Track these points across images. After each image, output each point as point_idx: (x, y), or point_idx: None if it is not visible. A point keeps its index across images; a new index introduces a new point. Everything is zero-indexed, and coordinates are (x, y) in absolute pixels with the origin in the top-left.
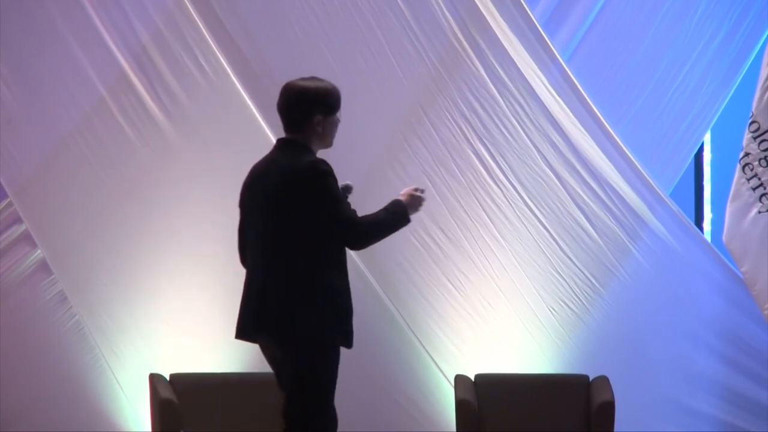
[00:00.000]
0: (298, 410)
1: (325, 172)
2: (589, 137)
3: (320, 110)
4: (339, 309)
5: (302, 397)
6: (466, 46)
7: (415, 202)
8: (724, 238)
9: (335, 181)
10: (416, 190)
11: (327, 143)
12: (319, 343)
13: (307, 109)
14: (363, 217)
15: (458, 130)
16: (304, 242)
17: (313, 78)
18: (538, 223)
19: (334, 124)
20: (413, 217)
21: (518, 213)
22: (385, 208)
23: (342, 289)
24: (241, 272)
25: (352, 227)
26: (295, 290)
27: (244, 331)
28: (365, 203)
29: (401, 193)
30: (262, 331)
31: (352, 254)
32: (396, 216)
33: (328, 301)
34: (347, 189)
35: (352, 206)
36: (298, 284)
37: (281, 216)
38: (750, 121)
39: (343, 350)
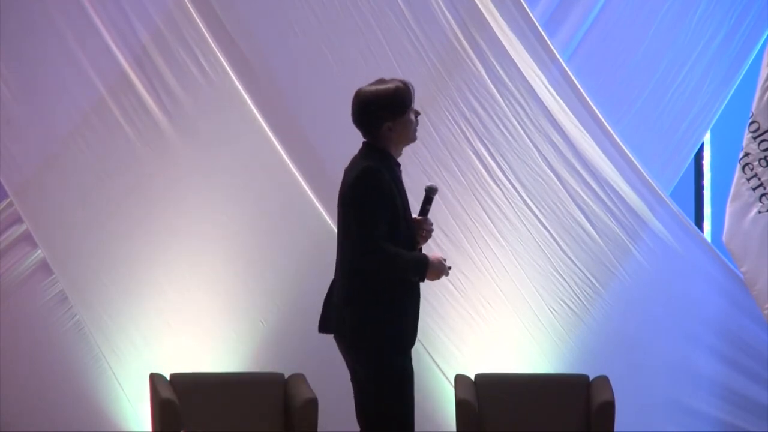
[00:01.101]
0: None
1: (371, 182)
2: (589, 137)
3: (387, 117)
4: (386, 312)
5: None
6: (466, 46)
7: (439, 270)
8: (724, 238)
9: (380, 193)
10: (445, 261)
11: (406, 141)
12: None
13: (373, 118)
14: (387, 247)
15: (458, 130)
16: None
17: (378, 81)
18: (538, 223)
19: (408, 123)
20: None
21: (518, 213)
22: (412, 256)
23: (386, 295)
24: (240, 272)
25: (370, 247)
26: (345, 293)
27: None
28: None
29: (435, 254)
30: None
31: None
32: (415, 268)
33: (375, 304)
34: (431, 191)
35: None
36: (347, 288)
37: (343, 217)
38: (750, 121)
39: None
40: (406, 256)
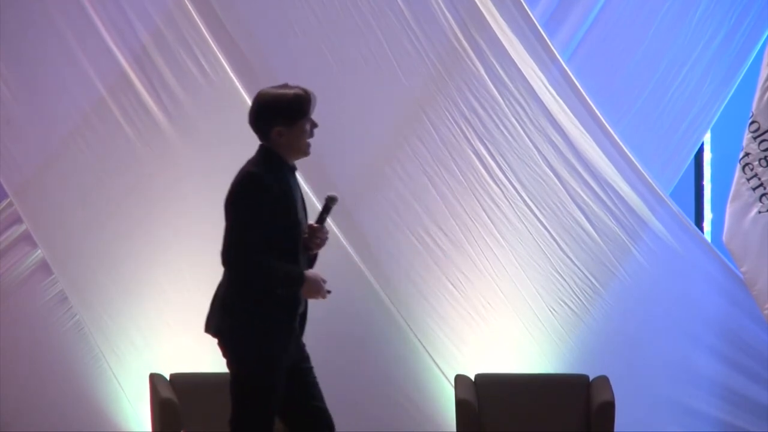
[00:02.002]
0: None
1: (251, 189)
2: (589, 137)
3: (279, 122)
4: (256, 324)
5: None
6: (466, 46)
7: (315, 289)
8: (724, 238)
9: (259, 201)
10: (325, 282)
11: (298, 152)
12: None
13: (267, 121)
14: (259, 256)
15: (458, 130)
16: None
17: (282, 86)
18: (538, 223)
19: (301, 132)
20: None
21: (518, 213)
22: (287, 270)
23: (264, 301)
24: None
25: (240, 254)
26: (231, 289)
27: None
28: (365, 202)
29: (315, 273)
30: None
31: (352, 254)
32: (287, 283)
33: (256, 311)
34: (331, 200)
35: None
36: (228, 289)
37: (225, 221)
38: (750, 121)
39: (343, 350)
40: (280, 270)
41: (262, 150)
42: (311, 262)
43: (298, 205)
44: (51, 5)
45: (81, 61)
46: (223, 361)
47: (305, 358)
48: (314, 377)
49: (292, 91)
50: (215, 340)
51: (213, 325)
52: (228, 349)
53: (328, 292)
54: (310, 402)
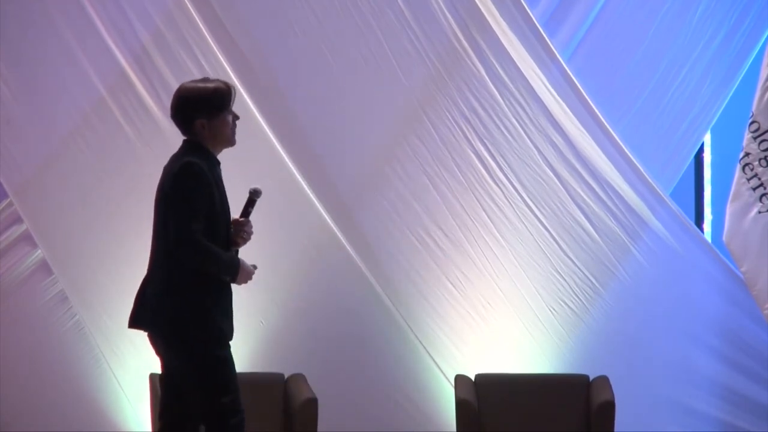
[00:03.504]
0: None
1: (194, 174)
2: (589, 137)
3: (201, 114)
4: (204, 304)
5: None
6: (466, 46)
7: (247, 275)
8: (724, 238)
9: (201, 189)
10: (255, 267)
11: (223, 142)
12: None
13: (187, 114)
14: (203, 241)
15: (458, 130)
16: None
17: (202, 79)
18: (538, 223)
19: (224, 124)
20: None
21: (518, 213)
22: (227, 256)
23: (204, 287)
24: None
25: (186, 238)
26: (163, 285)
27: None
28: (365, 202)
29: (245, 264)
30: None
31: (352, 254)
32: (227, 268)
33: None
34: (255, 193)
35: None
36: (166, 279)
37: (163, 211)
38: (750, 121)
39: (343, 350)
40: (222, 255)
41: (186, 143)
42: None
43: (224, 197)
44: (51, 5)
45: (81, 61)
46: None
47: None
48: None
49: (212, 85)
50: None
51: (146, 320)
52: (174, 336)
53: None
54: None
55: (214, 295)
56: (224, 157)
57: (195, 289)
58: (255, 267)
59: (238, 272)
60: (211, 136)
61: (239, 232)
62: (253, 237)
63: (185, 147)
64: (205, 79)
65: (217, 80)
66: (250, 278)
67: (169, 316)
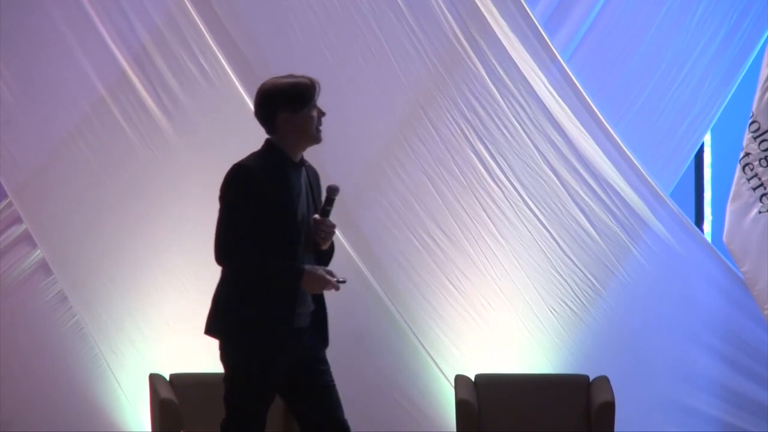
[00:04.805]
0: None
1: (236, 181)
2: (589, 137)
3: (283, 109)
4: (256, 319)
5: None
6: (466, 46)
7: (318, 282)
8: (724, 238)
9: (245, 193)
10: (338, 282)
11: (308, 138)
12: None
13: (271, 110)
14: (247, 248)
15: (458, 130)
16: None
17: (287, 76)
18: (538, 223)
19: (308, 119)
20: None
21: (518, 213)
22: (283, 266)
23: (263, 293)
24: None
25: (228, 246)
26: (224, 290)
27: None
28: (365, 202)
29: (314, 267)
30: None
31: (352, 254)
32: (283, 278)
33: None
34: (332, 191)
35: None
36: (225, 284)
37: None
38: (750, 121)
39: (343, 350)
40: (272, 265)
41: (264, 144)
42: (323, 259)
43: (297, 200)
44: (51, 5)
45: (81, 61)
46: None
47: (319, 359)
48: (328, 381)
49: (294, 79)
50: (215, 341)
51: (210, 327)
52: (221, 351)
53: (342, 281)
54: (319, 408)
55: (267, 311)
56: (224, 156)
57: (241, 303)
58: (340, 280)
59: (298, 281)
60: (294, 131)
61: (317, 231)
62: None
63: (261, 148)
64: (289, 75)
65: (302, 76)
66: (324, 286)
67: (219, 329)
